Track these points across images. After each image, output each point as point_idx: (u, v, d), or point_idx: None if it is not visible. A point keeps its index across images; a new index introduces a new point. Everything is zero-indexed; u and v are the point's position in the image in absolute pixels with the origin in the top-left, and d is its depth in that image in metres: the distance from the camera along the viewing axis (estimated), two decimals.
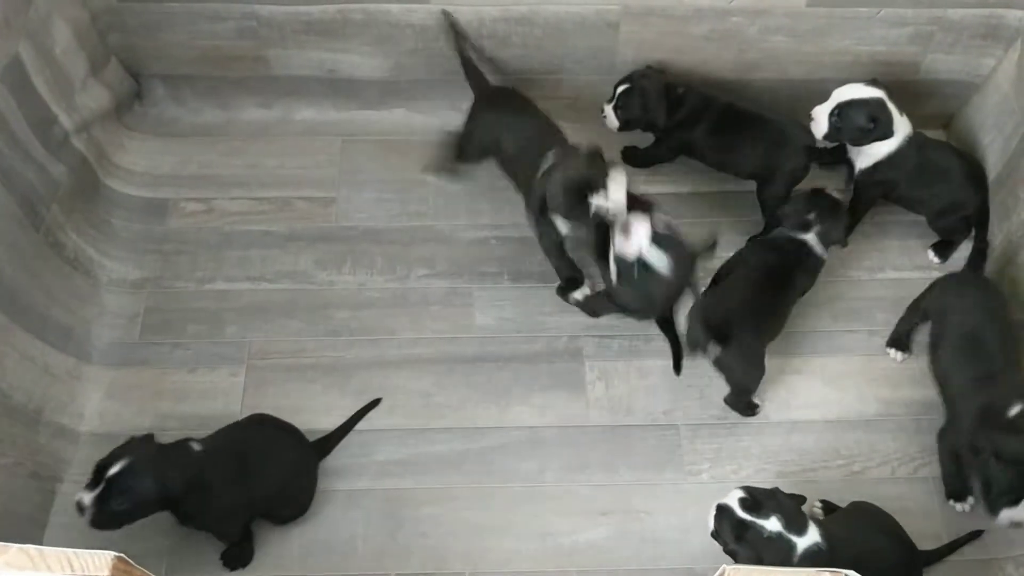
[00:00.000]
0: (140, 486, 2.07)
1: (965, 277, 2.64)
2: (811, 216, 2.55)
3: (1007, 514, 2.19)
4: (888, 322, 2.66)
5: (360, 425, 2.51)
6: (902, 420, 2.54)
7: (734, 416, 2.56)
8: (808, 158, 2.73)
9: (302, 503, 2.38)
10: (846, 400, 2.59)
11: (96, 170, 2.77)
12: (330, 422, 2.50)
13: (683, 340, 2.55)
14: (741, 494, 2.12)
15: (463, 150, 2.77)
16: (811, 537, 2.07)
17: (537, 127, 2.62)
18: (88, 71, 2.72)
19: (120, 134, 2.91)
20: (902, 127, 2.62)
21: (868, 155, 2.67)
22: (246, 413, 2.46)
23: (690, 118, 2.77)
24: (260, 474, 2.25)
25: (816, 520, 2.12)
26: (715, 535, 2.17)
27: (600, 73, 2.89)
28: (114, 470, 2.05)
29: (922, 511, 2.42)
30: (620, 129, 2.79)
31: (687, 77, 2.84)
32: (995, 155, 2.75)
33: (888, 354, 2.63)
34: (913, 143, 2.64)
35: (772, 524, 2.07)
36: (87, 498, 2.05)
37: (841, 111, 2.59)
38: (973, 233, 2.77)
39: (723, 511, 2.12)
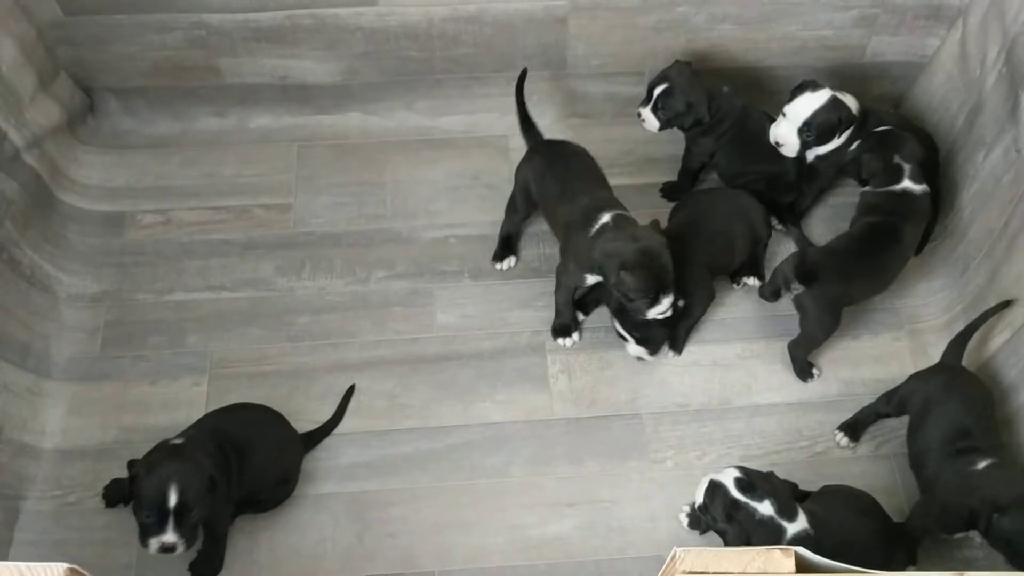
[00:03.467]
0: (201, 496, 2.09)
1: (949, 369, 2.45)
2: (896, 161, 2.54)
3: None
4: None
5: None
6: (863, 399, 2.55)
7: (697, 403, 2.58)
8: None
9: (290, 485, 2.41)
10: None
11: (50, 185, 2.76)
12: (296, 427, 2.49)
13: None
14: (737, 473, 2.12)
15: (512, 204, 2.72)
16: (800, 523, 2.09)
17: (589, 179, 2.57)
18: (37, 86, 2.71)
19: (74, 148, 2.90)
20: (852, 102, 2.66)
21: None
22: None
23: (723, 121, 2.73)
24: (250, 455, 2.28)
25: (804, 507, 2.13)
26: (703, 509, 2.17)
27: (552, 68, 2.91)
28: (173, 500, 2.06)
29: (885, 488, 2.44)
30: (660, 129, 2.73)
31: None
32: (943, 133, 2.78)
33: (836, 437, 2.53)
34: (863, 114, 2.67)
35: (765, 507, 2.08)
36: (171, 538, 2.06)
37: (810, 127, 2.62)
38: None
39: (717, 488, 2.12)
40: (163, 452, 2.15)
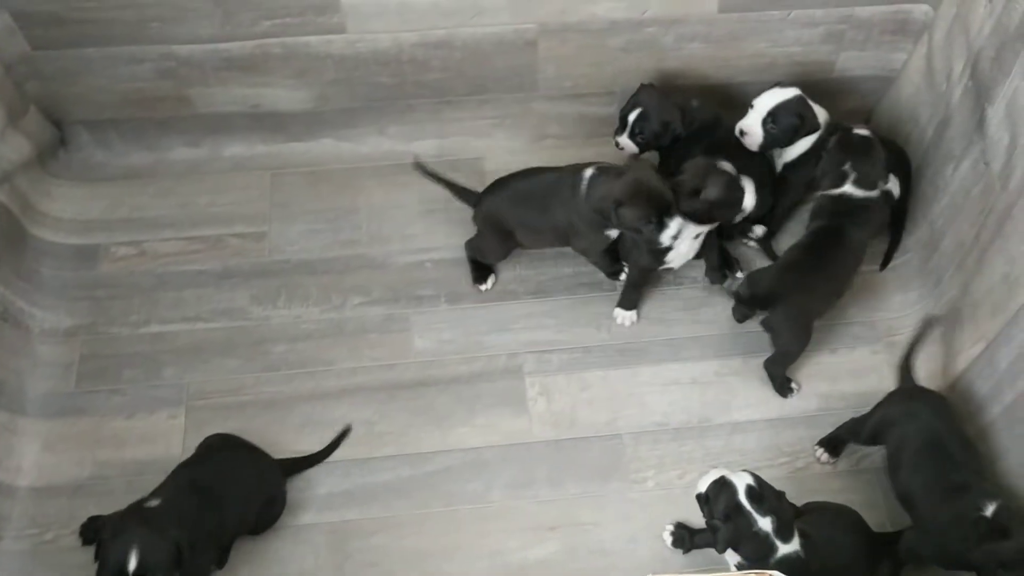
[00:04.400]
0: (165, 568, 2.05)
1: (913, 393, 2.46)
2: (846, 166, 2.55)
3: None
4: (821, 319, 2.68)
5: None
6: (842, 413, 2.55)
7: (676, 421, 2.58)
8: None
9: (277, 507, 2.40)
10: (788, 397, 2.62)
11: (21, 220, 2.74)
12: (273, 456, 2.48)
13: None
14: (751, 480, 2.11)
15: (489, 249, 2.74)
16: (793, 546, 2.08)
17: (549, 174, 2.61)
18: (6, 121, 2.69)
19: (45, 182, 2.88)
20: (821, 113, 2.70)
21: (791, 150, 2.73)
22: (188, 455, 2.44)
23: (699, 132, 2.76)
24: (229, 503, 2.25)
25: (800, 529, 2.12)
26: (702, 499, 2.17)
27: (524, 90, 2.91)
28: (132, 568, 2.02)
29: (867, 502, 2.44)
30: (640, 153, 2.78)
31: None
32: (912, 146, 2.80)
33: (815, 453, 2.54)
34: (831, 129, 2.69)
35: (765, 523, 2.07)
36: None
37: (774, 118, 2.65)
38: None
39: (725, 486, 2.11)
40: (132, 517, 2.11)
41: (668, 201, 2.42)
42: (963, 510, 2.14)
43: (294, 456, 2.48)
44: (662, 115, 2.71)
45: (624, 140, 2.75)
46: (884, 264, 2.78)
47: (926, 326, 2.57)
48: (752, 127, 2.68)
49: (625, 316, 2.71)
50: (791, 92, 2.67)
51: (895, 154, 2.78)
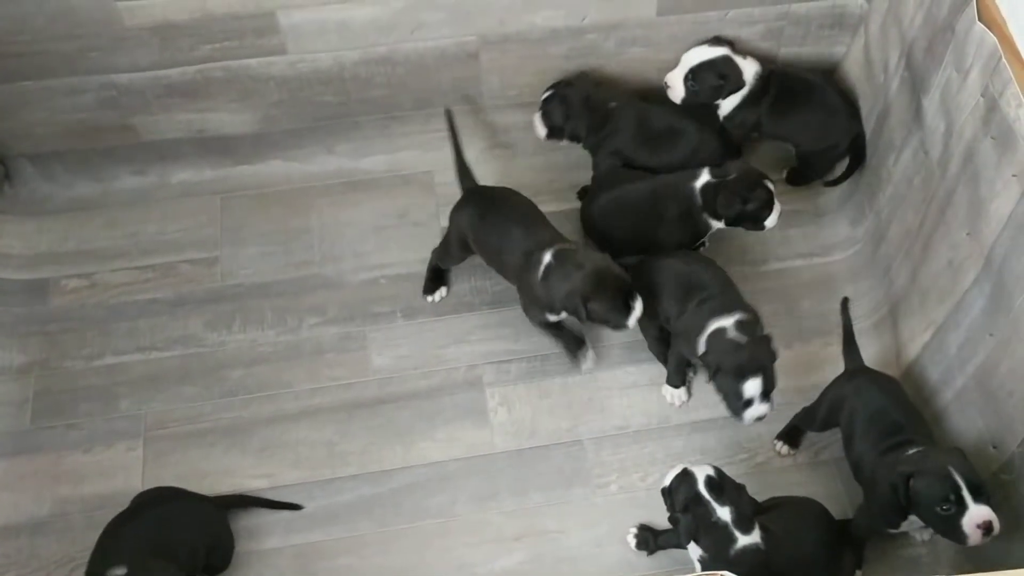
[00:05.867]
0: None
1: (857, 371, 2.47)
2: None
3: None
4: (775, 313, 2.70)
5: (264, 483, 2.50)
6: (797, 407, 2.56)
7: (636, 424, 2.60)
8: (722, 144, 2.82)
9: (224, 549, 2.37)
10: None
11: None
12: (234, 483, 2.47)
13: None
14: (711, 472, 2.15)
15: (447, 251, 2.71)
16: (752, 537, 2.10)
17: (525, 222, 2.56)
18: None
19: None
20: (749, 68, 2.74)
21: (725, 104, 2.78)
22: (148, 486, 2.43)
23: (617, 129, 2.79)
24: (179, 554, 2.21)
25: (760, 523, 2.14)
26: (666, 493, 2.21)
27: (469, 103, 2.92)
28: None
29: (828, 494, 2.46)
30: (547, 137, 2.82)
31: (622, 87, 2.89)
32: None
33: (775, 446, 2.55)
34: (763, 80, 2.74)
35: (724, 513, 2.11)
36: None
37: (695, 75, 2.72)
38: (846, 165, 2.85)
39: (686, 477, 2.15)
40: None
41: (630, 285, 2.43)
42: (892, 459, 2.19)
43: (240, 494, 2.47)
44: (568, 110, 2.76)
45: (536, 117, 2.80)
46: (830, 183, 2.89)
47: (844, 306, 2.65)
48: (675, 81, 2.75)
49: (674, 395, 2.64)
50: (718, 51, 2.72)
51: (840, 94, 2.80)
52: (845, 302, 2.66)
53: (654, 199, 2.67)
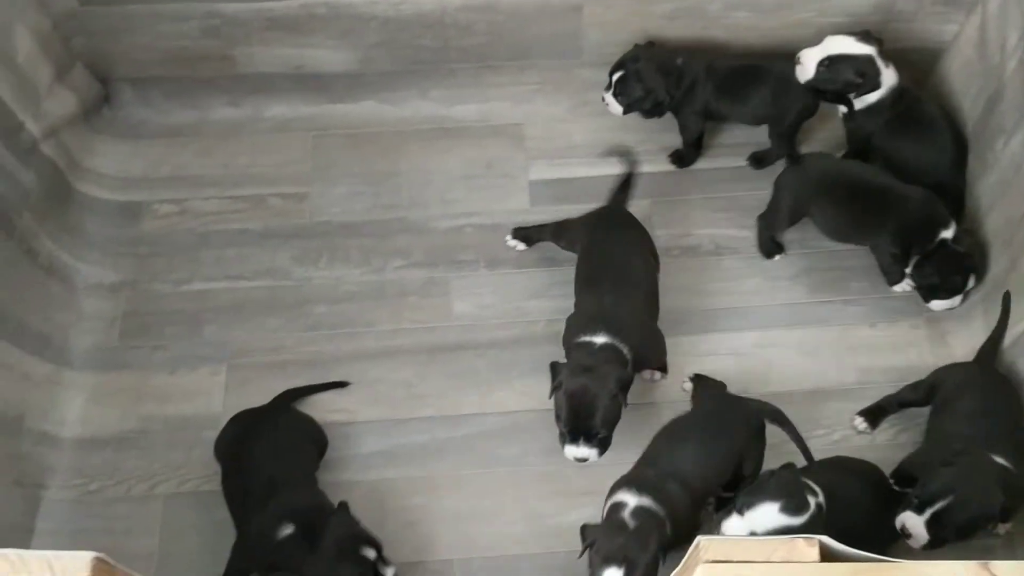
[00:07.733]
0: None
1: (980, 365, 2.46)
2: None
3: None
4: (862, 291, 2.68)
5: (342, 417, 2.53)
6: (881, 388, 2.52)
7: None
8: (814, 97, 2.75)
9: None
10: (824, 369, 2.60)
11: (67, 175, 2.77)
12: (312, 415, 2.50)
13: None
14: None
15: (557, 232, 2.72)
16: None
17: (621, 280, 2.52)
18: (53, 77, 2.71)
19: (89, 138, 2.90)
20: (889, 78, 2.67)
21: (856, 101, 2.70)
22: (228, 413, 2.47)
23: (694, 85, 2.77)
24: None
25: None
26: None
27: (567, 57, 2.90)
28: None
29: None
30: (624, 113, 2.79)
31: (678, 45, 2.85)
32: (960, 121, 2.76)
33: (854, 421, 2.52)
34: (896, 94, 2.67)
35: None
36: None
37: (833, 63, 2.63)
38: None
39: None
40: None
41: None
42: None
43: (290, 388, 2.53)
44: (645, 83, 2.72)
45: (608, 97, 2.77)
46: None
47: (1006, 300, 2.50)
48: (808, 61, 2.65)
49: None
50: (864, 48, 2.63)
51: (955, 135, 2.73)
52: (1007, 296, 2.50)
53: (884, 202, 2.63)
